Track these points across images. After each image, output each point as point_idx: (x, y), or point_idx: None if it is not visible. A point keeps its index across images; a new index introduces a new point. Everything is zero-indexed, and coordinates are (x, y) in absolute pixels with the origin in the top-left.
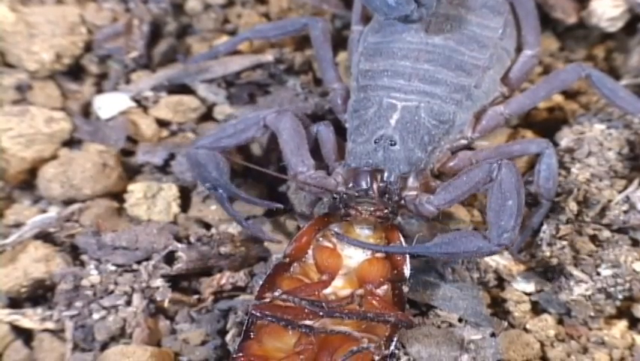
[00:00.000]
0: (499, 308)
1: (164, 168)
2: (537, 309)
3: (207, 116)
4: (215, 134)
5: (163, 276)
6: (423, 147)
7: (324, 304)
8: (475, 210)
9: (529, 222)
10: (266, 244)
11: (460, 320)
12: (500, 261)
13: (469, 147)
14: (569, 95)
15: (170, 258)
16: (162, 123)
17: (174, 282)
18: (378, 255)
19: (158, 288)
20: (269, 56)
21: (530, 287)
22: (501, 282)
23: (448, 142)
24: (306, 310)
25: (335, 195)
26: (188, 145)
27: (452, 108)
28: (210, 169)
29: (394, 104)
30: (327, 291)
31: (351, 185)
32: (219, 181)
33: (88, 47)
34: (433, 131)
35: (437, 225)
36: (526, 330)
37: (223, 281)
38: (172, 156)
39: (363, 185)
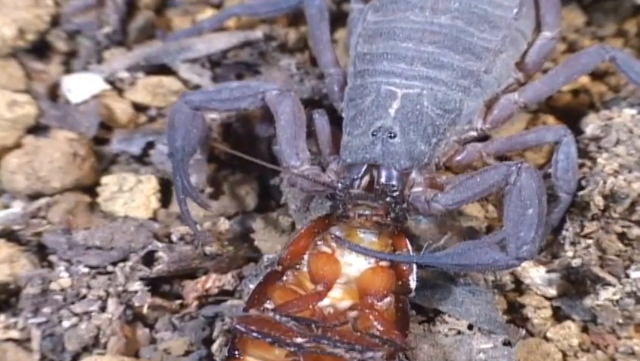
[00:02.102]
0: (516, 314)
1: (142, 158)
2: (559, 315)
3: None
4: (209, 92)
5: (141, 279)
6: (426, 140)
7: (314, 325)
8: (489, 205)
9: (548, 219)
10: (256, 243)
11: (470, 327)
12: None
13: (479, 139)
14: (596, 75)
15: (149, 259)
16: (139, 108)
17: (154, 285)
18: (383, 263)
19: (135, 292)
20: (258, 33)
21: (552, 291)
22: (519, 285)
23: (454, 134)
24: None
25: (334, 193)
26: (179, 96)
27: (459, 96)
28: (178, 136)
29: (394, 92)
30: (324, 303)
31: (345, 183)
32: (178, 153)
33: (55, 22)
34: (437, 121)
35: (447, 222)
36: (546, 339)
37: (209, 285)
38: (151, 145)
39: (359, 183)
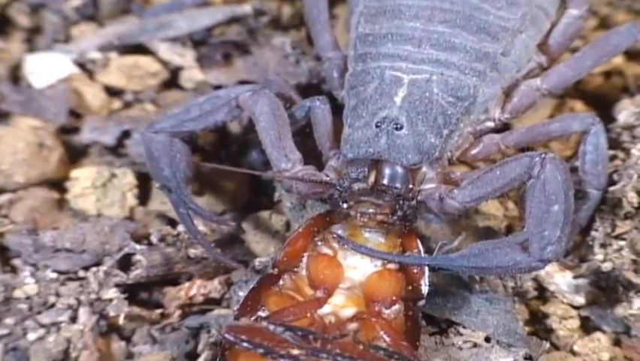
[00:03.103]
0: (539, 325)
1: (116, 150)
2: (588, 326)
3: (171, 83)
4: (177, 115)
5: (117, 285)
6: (437, 131)
7: (312, 337)
8: (509, 202)
9: (576, 218)
10: (247, 244)
11: (487, 340)
12: None
13: (497, 131)
14: (631, 55)
15: (125, 263)
16: (113, 92)
17: (131, 293)
18: (391, 266)
19: (110, 300)
20: (246, 7)
21: (579, 299)
22: (542, 292)
23: (469, 124)
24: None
25: (336, 188)
26: (144, 127)
27: (473, 81)
28: (163, 164)
29: (400, 78)
30: (325, 311)
31: (346, 181)
32: (171, 182)
33: None
34: (449, 110)
35: (461, 222)
36: (573, 353)
37: (193, 292)
38: (127, 134)
39: (362, 180)
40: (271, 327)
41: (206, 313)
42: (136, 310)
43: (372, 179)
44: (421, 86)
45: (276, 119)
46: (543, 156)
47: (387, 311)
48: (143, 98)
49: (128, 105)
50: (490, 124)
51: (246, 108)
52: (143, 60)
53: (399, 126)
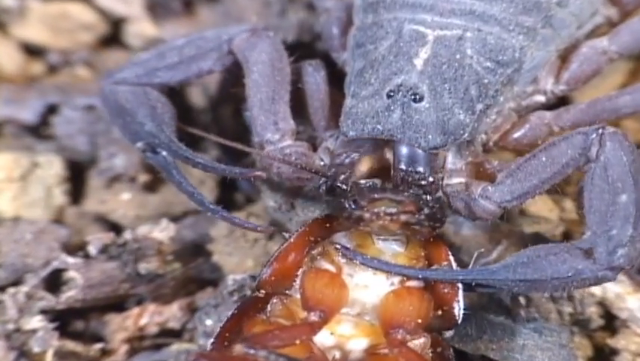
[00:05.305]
0: None
1: (38, 130)
2: None
3: (112, 39)
4: (145, 62)
5: (43, 311)
6: (467, 106)
7: None
8: (566, 201)
9: None
10: (216, 258)
11: None
12: (609, 286)
13: (548, 107)
14: None
15: (54, 281)
16: (34, 52)
17: (62, 321)
18: (413, 284)
19: (34, 331)
20: None
21: None
22: (610, 321)
23: (512, 98)
24: None
25: (332, 185)
26: (101, 79)
27: (519, 41)
28: (142, 117)
29: (423, 34)
30: (328, 342)
31: (342, 168)
32: (159, 137)
33: None
34: (485, 78)
35: (502, 227)
36: None
37: (144, 320)
38: (53, 109)
39: (363, 167)
40: (252, 351)
41: (162, 348)
42: (69, 344)
43: (363, 167)
44: (451, 45)
45: (274, 74)
46: (601, 131)
47: (410, 343)
48: (73, 59)
49: (53, 69)
50: (540, 98)
51: (240, 53)
52: (74, 9)
53: (418, 97)
